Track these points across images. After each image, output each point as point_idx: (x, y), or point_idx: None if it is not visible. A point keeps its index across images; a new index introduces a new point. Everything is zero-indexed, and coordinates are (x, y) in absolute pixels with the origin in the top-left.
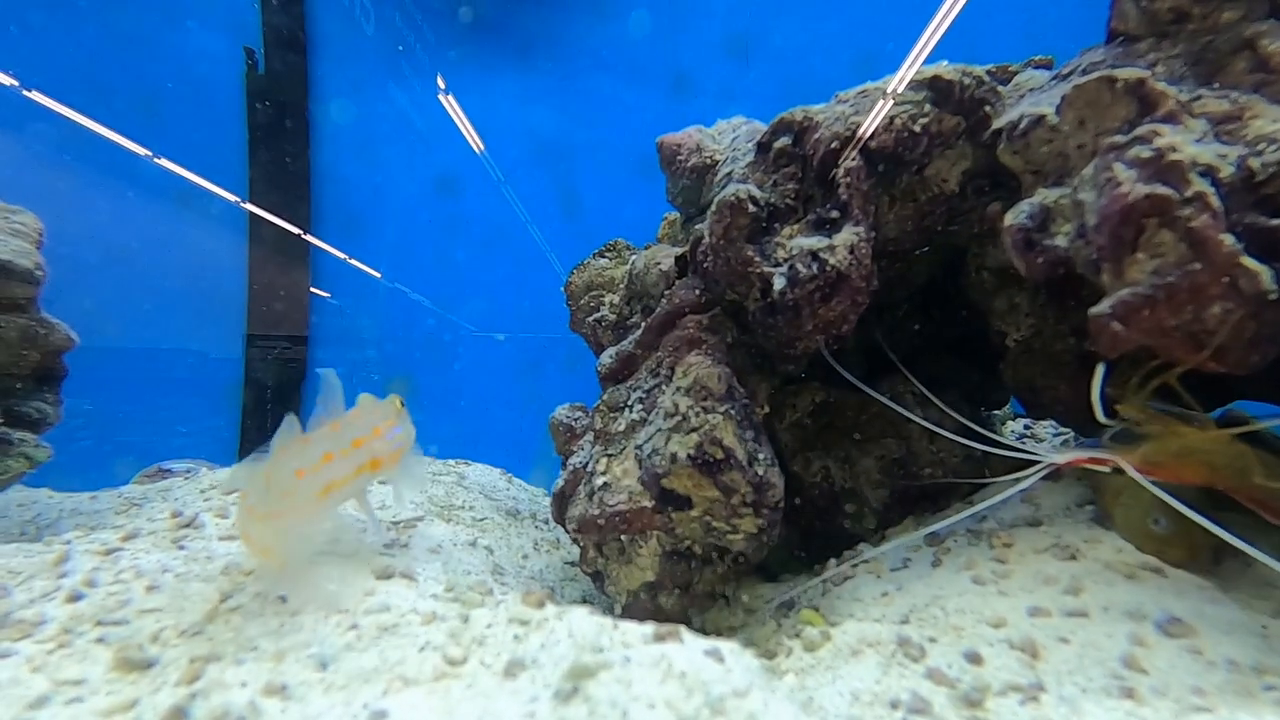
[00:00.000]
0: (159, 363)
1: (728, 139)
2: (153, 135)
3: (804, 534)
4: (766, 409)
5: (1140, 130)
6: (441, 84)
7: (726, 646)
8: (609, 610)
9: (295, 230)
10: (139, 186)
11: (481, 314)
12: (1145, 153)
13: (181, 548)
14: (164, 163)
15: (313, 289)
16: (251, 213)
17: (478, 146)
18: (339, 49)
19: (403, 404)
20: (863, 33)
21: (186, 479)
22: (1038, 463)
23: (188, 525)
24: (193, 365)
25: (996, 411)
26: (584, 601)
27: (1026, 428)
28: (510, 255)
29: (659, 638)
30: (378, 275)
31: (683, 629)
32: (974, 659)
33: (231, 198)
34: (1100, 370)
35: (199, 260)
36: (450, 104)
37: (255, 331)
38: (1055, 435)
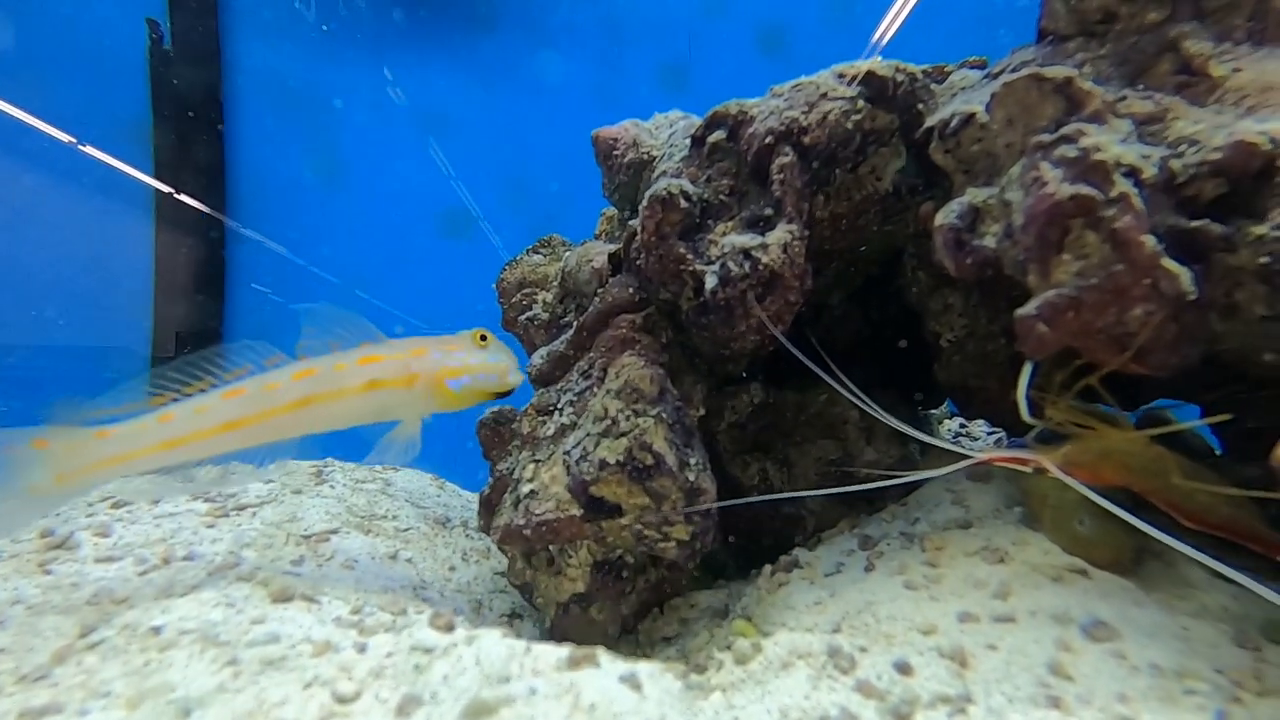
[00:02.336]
0: (55, 360)
1: (665, 134)
2: (42, 114)
3: (741, 538)
4: (702, 411)
5: (1067, 129)
6: (388, 75)
7: (646, 670)
8: (539, 623)
9: (211, 213)
10: (33, 169)
11: (424, 309)
12: (1071, 152)
13: (48, 572)
14: (51, 130)
15: (255, 285)
16: (159, 199)
17: (422, 136)
18: (257, 22)
19: (483, 338)
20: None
21: None
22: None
23: (59, 546)
24: (94, 362)
25: (934, 410)
26: (514, 615)
27: (962, 426)
28: (454, 247)
29: (573, 663)
30: (324, 273)
31: (600, 651)
32: (904, 669)
33: (141, 176)
34: (1027, 370)
35: (100, 249)
36: (396, 95)
37: (163, 326)
38: (989, 434)
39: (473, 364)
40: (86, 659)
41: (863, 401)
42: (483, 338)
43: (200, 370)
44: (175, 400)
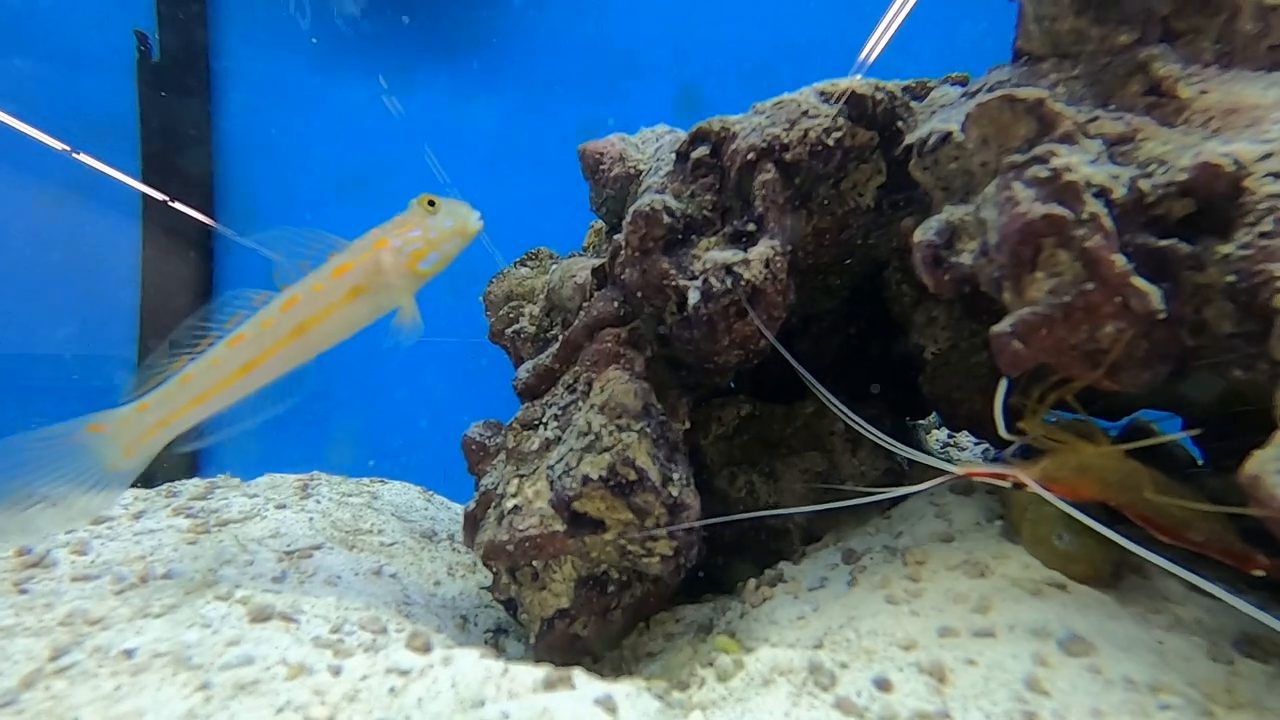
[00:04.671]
0: (41, 368)
1: (651, 148)
2: (29, 123)
3: (727, 552)
4: (687, 425)
5: (1038, 150)
6: (383, 83)
7: (623, 691)
8: (524, 639)
9: (199, 221)
10: (19, 178)
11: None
12: (1043, 172)
13: (23, 592)
14: (44, 138)
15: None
16: (146, 209)
17: (416, 145)
18: (246, 33)
19: (431, 203)
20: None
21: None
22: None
23: (35, 565)
24: (81, 370)
25: (921, 422)
26: (499, 630)
27: (950, 437)
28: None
29: (549, 685)
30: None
31: (576, 673)
32: (883, 685)
33: (129, 181)
34: (1002, 386)
35: (88, 260)
36: (392, 104)
37: (150, 334)
38: (976, 445)
39: (433, 237)
40: (55, 684)
41: (847, 416)
42: (430, 203)
43: (203, 329)
44: (190, 360)
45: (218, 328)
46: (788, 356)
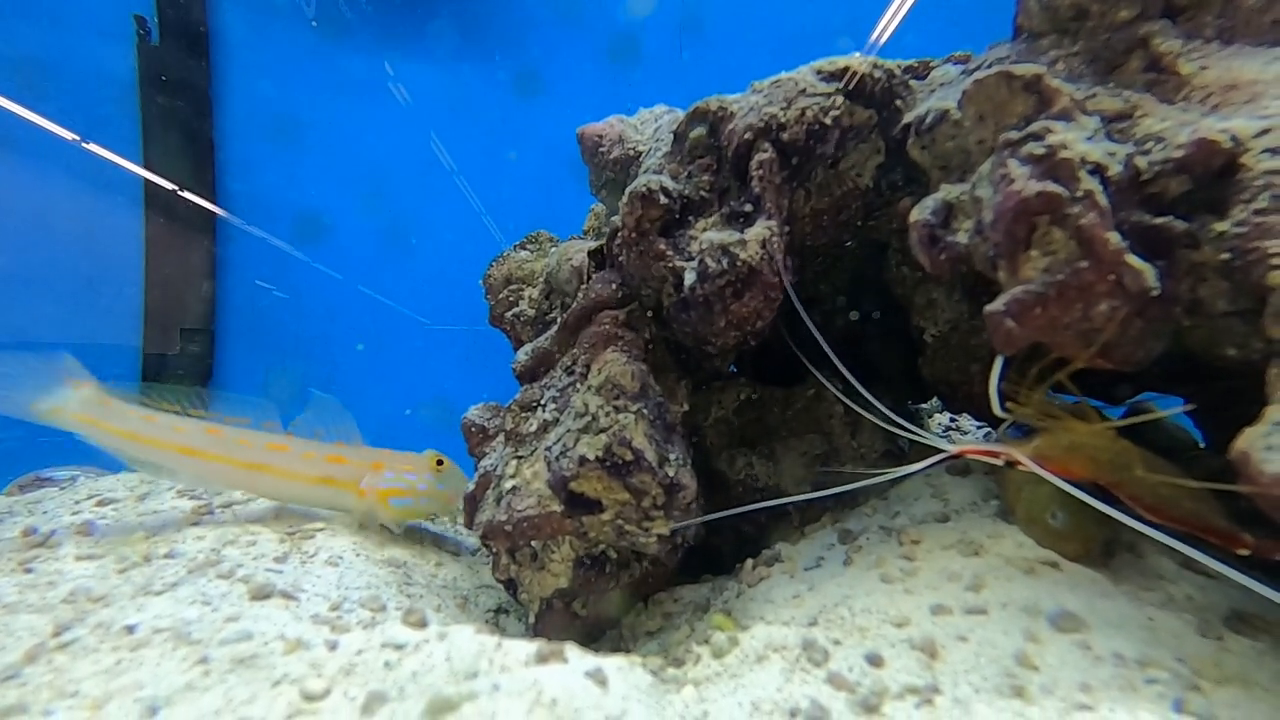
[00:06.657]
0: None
1: (650, 129)
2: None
3: (726, 532)
4: (686, 407)
5: (1034, 127)
6: (389, 69)
7: (614, 665)
8: (524, 619)
9: (202, 207)
10: (20, 165)
11: (425, 303)
12: (1038, 149)
13: (28, 570)
14: (53, 128)
15: (259, 281)
16: (148, 194)
17: (422, 130)
18: (247, 17)
19: (440, 463)
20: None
21: (63, 489)
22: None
23: (40, 545)
24: (85, 358)
25: (924, 405)
26: (500, 610)
27: (952, 420)
28: (455, 240)
29: (541, 659)
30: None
31: (569, 647)
32: (875, 661)
33: (132, 167)
34: (997, 365)
35: (89, 244)
36: (398, 91)
37: (154, 321)
38: (979, 427)
39: (421, 489)
40: (57, 658)
41: (847, 397)
42: (439, 462)
43: (204, 402)
44: (175, 414)
45: (215, 414)
46: (802, 313)
